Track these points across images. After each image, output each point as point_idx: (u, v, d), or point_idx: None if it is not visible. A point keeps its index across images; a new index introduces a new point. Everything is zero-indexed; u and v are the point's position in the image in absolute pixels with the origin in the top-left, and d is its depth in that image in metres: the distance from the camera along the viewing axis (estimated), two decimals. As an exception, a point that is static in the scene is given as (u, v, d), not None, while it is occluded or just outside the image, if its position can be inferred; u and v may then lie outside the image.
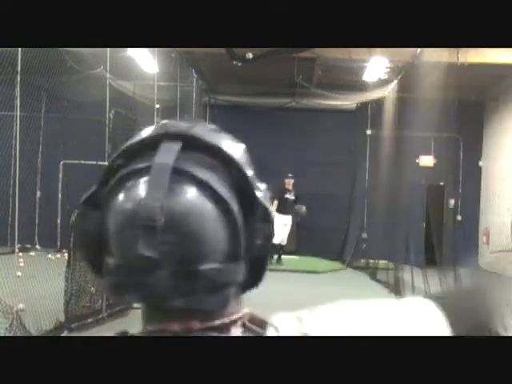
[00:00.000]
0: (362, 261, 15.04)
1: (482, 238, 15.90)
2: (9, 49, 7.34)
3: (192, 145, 0.86)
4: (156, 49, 11.20)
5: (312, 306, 0.91)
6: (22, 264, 9.86)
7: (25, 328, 5.78)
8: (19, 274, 9.01)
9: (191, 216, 0.82)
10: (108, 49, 9.95)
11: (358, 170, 16.33)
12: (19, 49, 7.16)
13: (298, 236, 15.70)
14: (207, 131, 0.91)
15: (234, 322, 0.87)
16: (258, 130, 16.39)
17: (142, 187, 0.83)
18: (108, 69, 10.67)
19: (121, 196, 0.85)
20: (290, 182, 13.88)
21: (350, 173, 16.49)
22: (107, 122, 7.81)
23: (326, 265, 14.68)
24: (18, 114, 7.99)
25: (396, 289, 10.78)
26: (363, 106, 16.07)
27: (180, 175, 0.83)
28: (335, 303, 0.93)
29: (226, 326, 0.86)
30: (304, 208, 13.68)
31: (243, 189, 0.89)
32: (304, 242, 15.61)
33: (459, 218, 15.74)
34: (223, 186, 0.85)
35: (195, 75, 14.30)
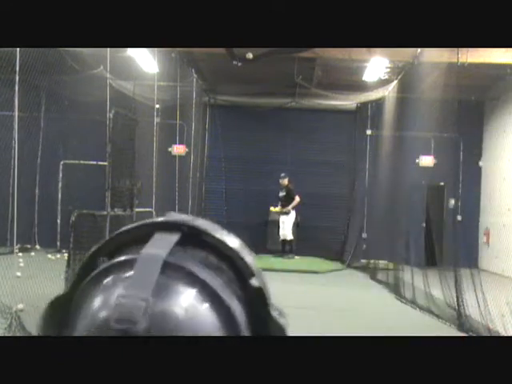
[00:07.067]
0: (362, 261, 15.04)
1: (482, 238, 15.90)
2: (7, 49, 7.34)
3: (193, 239, 0.70)
4: (156, 49, 11.21)
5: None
6: (21, 264, 9.86)
7: (24, 328, 5.77)
8: (19, 274, 9.01)
9: (183, 322, 0.66)
10: (108, 49, 9.95)
11: (358, 170, 16.34)
12: (17, 48, 7.16)
13: (298, 236, 15.71)
14: (213, 226, 0.73)
15: None
16: (257, 130, 16.41)
17: (122, 284, 0.65)
18: (108, 69, 10.67)
19: (94, 295, 0.67)
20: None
21: (350, 173, 16.50)
22: (107, 122, 7.81)
23: (326, 265, 14.68)
24: (17, 113, 7.99)
25: (396, 289, 10.78)
26: (363, 106, 16.08)
27: (174, 271, 0.66)
28: None
29: None
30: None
31: (253, 303, 0.71)
32: (304, 241, 15.62)
33: (459, 218, 15.72)
34: (229, 294, 0.68)
35: (195, 75, 14.30)
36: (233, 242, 0.73)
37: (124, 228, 0.73)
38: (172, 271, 0.66)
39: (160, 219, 0.72)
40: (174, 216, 0.72)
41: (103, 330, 0.66)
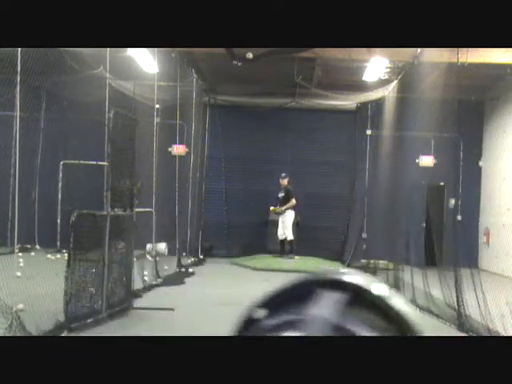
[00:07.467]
0: (362, 261, 15.03)
1: (482, 238, 15.90)
2: (8, 49, 7.35)
3: (356, 298, 0.68)
4: (156, 49, 11.21)
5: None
6: (21, 264, 9.87)
7: (24, 328, 5.77)
8: (19, 274, 9.02)
9: None
10: (108, 49, 9.95)
11: (358, 170, 16.34)
12: (19, 49, 7.16)
13: (298, 236, 15.71)
14: (375, 284, 0.72)
15: None
16: (257, 130, 16.41)
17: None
18: (108, 69, 10.67)
19: None
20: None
21: (350, 173, 16.50)
22: (107, 122, 7.81)
23: (326, 265, 14.68)
24: (18, 113, 7.99)
25: (396, 289, 10.78)
26: (363, 106, 16.08)
27: (340, 334, 0.66)
28: None
29: None
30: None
31: None
32: (304, 242, 15.62)
33: (459, 217, 15.73)
34: None
35: (195, 75, 14.30)
36: (397, 301, 0.71)
37: (285, 284, 0.72)
38: (338, 334, 0.65)
39: (322, 276, 0.71)
40: (336, 273, 0.71)
41: None
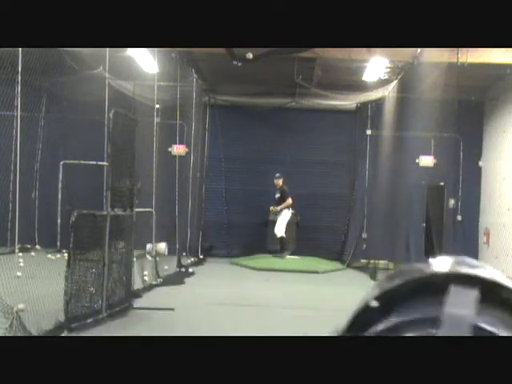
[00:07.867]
0: (362, 261, 15.04)
1: (482, 238, 15.90)
2: (9, 49, 7.35)
3: (490, 295, 0.62)
4: (156, 49, 11.22)
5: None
6: (21, 264, 9.86)
7: (25, 328, 5.77)
8: (19, 274, 9.02)
9: None
10: (107, 49, 9.95)
11: (358, 170, 16.34)
12: (19, 49, 7.16)
13: (298, 236, 15.72)
14: (509, 280, 0.65)
15: None
16: (257, 130, 16.41)
17: None
18: (107, 69, 10.67)
19: None
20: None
21: (350, 173, 16.50)
22: (106, 122, 7.81)
23: (326, 265, 14.68)
24: (19, 113, 7.99)
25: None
26: (363, 106, 16.08)
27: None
28: None
29: None
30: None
31: None
32: (304, 242, 15.63)
33: (459, 218, 15.74)
34: None
35: (195, 75, 14.30)
36: None
37: (404, 276, 0.66)
38: (476, 334, 0.61)
39: (452, 270, 0.65)
40: (466, 264, 0.65)
41: None
